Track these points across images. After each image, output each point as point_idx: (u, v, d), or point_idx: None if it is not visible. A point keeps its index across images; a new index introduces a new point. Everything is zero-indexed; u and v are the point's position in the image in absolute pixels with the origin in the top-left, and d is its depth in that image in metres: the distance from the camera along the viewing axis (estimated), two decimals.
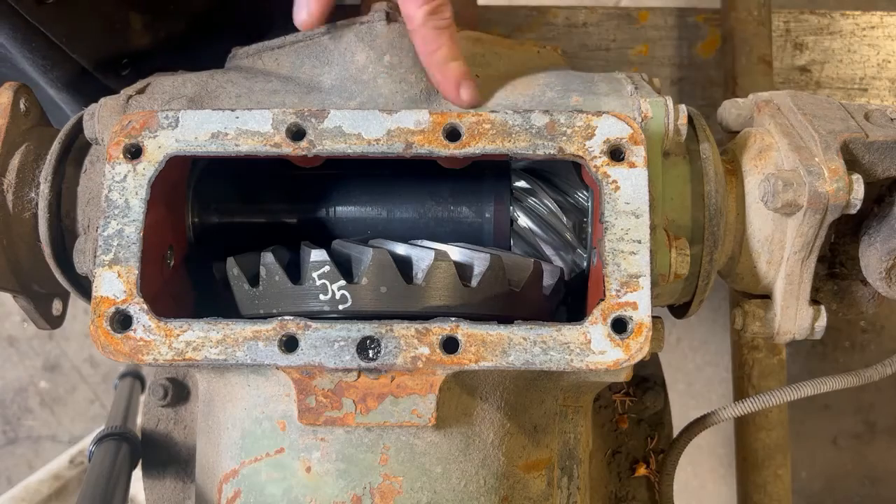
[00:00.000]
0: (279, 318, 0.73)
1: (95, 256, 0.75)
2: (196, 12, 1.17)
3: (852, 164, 0.80)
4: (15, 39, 1.04)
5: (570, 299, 0.89)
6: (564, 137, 0.76)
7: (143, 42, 1.14)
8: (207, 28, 1.19)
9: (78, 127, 0.88)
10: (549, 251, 0.93)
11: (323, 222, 0.91)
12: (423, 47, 0.81)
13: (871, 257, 0.82)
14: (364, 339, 0.72)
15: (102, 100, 0.85)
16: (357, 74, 0.85)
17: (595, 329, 0.73)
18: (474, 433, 0.77)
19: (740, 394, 1.54)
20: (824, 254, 0.87)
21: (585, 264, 0.88)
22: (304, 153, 0.76)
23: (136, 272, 0.74)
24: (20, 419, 2.33)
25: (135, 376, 1.48)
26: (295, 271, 0.76)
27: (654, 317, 0.76)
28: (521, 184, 0.94)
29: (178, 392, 1.04)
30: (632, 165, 0.76)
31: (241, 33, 1.24)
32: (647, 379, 1.07)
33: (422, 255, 0.75)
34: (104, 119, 0.83)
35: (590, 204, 0.87)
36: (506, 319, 0.74)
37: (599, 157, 0.76)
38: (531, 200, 0.93)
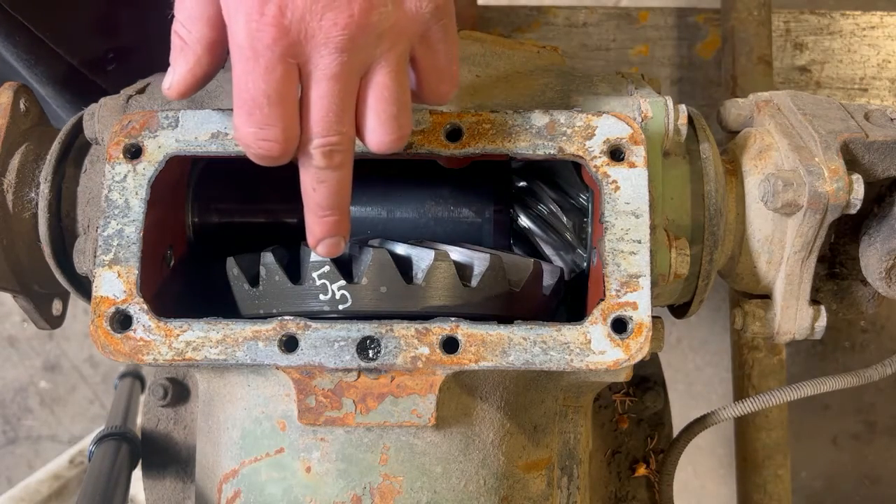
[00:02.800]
0: (279, 318, 0.73)
1: (95, 256, 0.75)
2: None
3: (852, 164, 0.80)
4: None
5: (570, 299, 0.89)
6: (564, 137, 0.76)
7: (130, 37, 1.13)
8: None
9: (78, 127, 0.88)
10: (549, 251, 0.93)
11: None
12: (305, 181, 0.69)
13: (871, 257, 0.82)
14: (364, 339, 0.72)
15: (102, 100, 0.85)
16: None
17: (595, 329, 0.73)
18: (474, 433, 0.77)
19: (740, 394, 1.54)
20: (824, 254, 0.87)
21: (585, 264, 0.88)
22: None
23: (136, 272, 0.74)
24: (20, 419, 2.33)
25: (135, 376, 1.47)
26: (295, 271, 0.76)
27: (654, 317, 0.76)
28: (522, 184, 0.94)
29: (178, 392, 1.04)
30: (632, 165, 0.76)
31: None
32: (647, 379, 1.07)
33: (422, 255, 0.75)
34: (104, 119, 0.83)
35: (590, 204, 0.87)
36: (506, 319, 0.74)
37: (599, 157, 0.76)
38: (531, 200, 0.93)
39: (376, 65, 0.67)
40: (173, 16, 0.69)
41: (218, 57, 0.69)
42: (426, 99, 0.73)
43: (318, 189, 0.69)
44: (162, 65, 0.92)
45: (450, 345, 0.72)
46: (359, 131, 0.69)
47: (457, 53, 0.72)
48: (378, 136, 0.68)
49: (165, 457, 1.04)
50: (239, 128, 0.67)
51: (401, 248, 0.76)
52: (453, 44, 0.71)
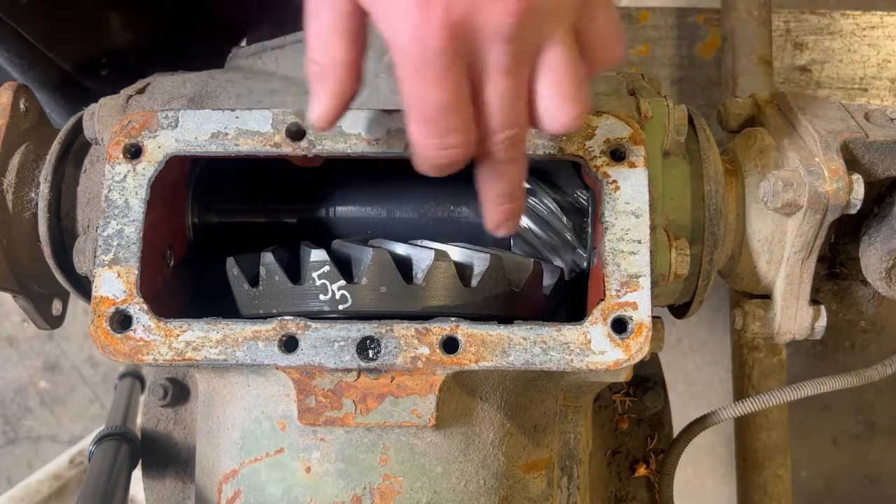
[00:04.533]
0: (279, 318, 0.73)
1: (95, 256, 0.75)
2: (174, 11, 1.16)
3: (852, 164, 0.80)
4: None
5: (570, 299, 0.89)
6: (564, 137, 0.76)
7: (123, 41, 1.13)
8: (186, 26, 1.18)
9: (78, 127, 0.88)
10: (549, 251, 0.93)
11: (323, 222, 0.91)
12: (485, 175, 0.69)
13: (871, 257, 0.82)
14: (364, 339, 0.72)
15: (102, 99, 0.85)
16: None
17: (595, 329, 0.73)
18: (474, 433, 0.77)
19: (740, 394, 1.54)
20: (824, 254, 0.87)
21: (585, 264, 0.88)
22: (303, 153, 0.76)
23: (136, 272, 0.74)
24: (20, 419, 2.33)
25: (135, 376, 1.47)
26: (295, 271, 0.76)
27: (654, 317, 0.76)
28: None
29: (178, 392, 1.04)
30: (632, 165, 0.76)
31: (220, 31, 1.22)
32: (647, 379, 1.06)
33: (422, 255, 0.75)
34: (104, 119, 0.83)
35: (590, 204, 0.87)
36: (506, 319, 0.74)
37: (599, 156, 0.76)
38: (531, 200, 0.93)
39: (546, 46, 0.63)
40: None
41: (360, 74, 0.66)
42: (598, 67, 0.69)
43: (499, 181, 0.68)
44: (154, 68, 0.93)
45: (450, 345, 0.72)
46: (535, 116, 0.66)
47: (616, 15, 0.69)
48: (561, 117, 0.65)
49: (165, 457, 1.04)
50: (419, 141, 0.64)
51: (401, 248, 0.76)
52: (612, 5, 0.68)
